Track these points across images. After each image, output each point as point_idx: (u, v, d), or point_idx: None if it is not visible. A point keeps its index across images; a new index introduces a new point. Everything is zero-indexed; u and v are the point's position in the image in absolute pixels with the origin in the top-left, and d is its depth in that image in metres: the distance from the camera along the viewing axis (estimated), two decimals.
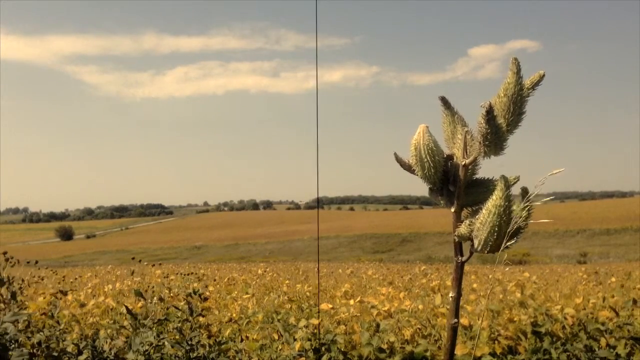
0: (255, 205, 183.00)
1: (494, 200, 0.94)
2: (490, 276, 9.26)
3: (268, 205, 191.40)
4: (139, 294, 2.88)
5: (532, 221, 0.99)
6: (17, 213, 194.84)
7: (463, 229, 0.99)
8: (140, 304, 3.39)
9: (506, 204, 0.93)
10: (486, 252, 0.96)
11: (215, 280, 9.15)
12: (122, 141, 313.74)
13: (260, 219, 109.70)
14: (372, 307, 3.46)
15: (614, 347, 3.03)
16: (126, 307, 2.76)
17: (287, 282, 8.39)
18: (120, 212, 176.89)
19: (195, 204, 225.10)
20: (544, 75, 0.97)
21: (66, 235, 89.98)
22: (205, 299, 3.19)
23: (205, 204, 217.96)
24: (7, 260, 3.10)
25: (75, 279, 9.28)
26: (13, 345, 2.34)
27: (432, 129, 1.02)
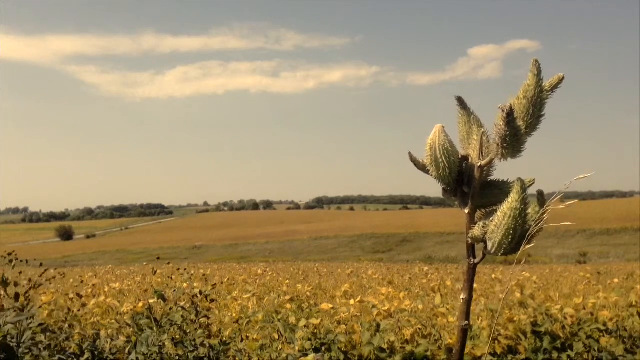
0: (255, 205, 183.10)
1: (510, 203, 0.93)
2: (493, 276, 9.26)
3: (268, 205, 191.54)
4: (160, 296, 2.89)
5: (553, 224, 0.98)
6: (17, 213, 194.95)
7: (477, 230, 0.99)
8: (141, 304, 3.39)
9: (522, 207, 0.92)
10: (500, 254, 0.95)
11: (213, 281, 9.14)
12: (122, 141, 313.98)
13: (260, 219, 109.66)
14: (373, 306, 3.47)
15: (614, 347, 3.03)
16: (149, 310, 2.76)
17: (287, 282, 8.39)
18: (120, 212, 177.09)
19: (195, 204, 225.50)
20: (563, 78, 0.95)
21: (66, 235, 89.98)
22: (212, 300, 3.19)
23: (205, 204, 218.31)
24: (11, 261, 3.11)
25: (77, 278, 9.28)
26: (13, 343, 2.34)
27: (448, 129, 1.01)
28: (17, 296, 2.61)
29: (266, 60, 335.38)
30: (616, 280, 8.15)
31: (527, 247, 0.96)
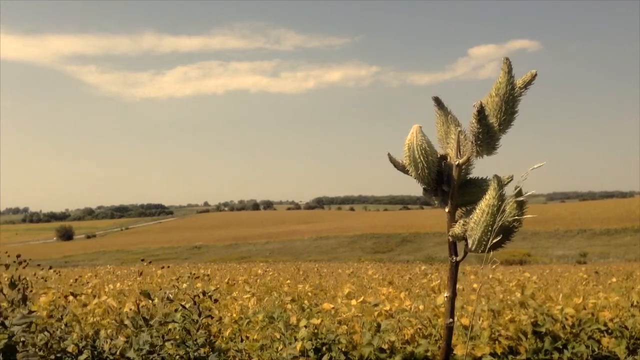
0: (255, 205, 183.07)
1: (488, 200, 0.94)
2: (491, 276, 9.26)
3: (268, 205, 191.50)
4: (146, 295, 2.89)
5: (516, 217, 0.99)
6: (17, 213, 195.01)
7: (457, 228, 0.99)
8: (143, 304, 3.38)
9: (499, 203, 0.93)
10: (480, 251, 0.96)
11: (214, 281, 9.15)
12: (122, 141, 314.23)
13: (260, 219, 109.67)
14: (374, 306, 3.46)
15: (615, 348, 3.03)
16: (137, 307, 2.76)
17: (287, 282, 8.39)
18: (120, 212, 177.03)
19: (195, 204, 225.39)
20: (536, 75, 0.97)
21: (66, 235, 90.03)
22: (216, 301, 3.20)
23: (205, 204, 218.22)
24: (20, 263, 3.11)
25: (76, 279, 9.28)
26: (20, 348, 2.34)
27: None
28: (24, 299, 2.61)
29: (266, 60, 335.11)
30: (614, 280, 8.14)
31: (497, 240, 0.96)
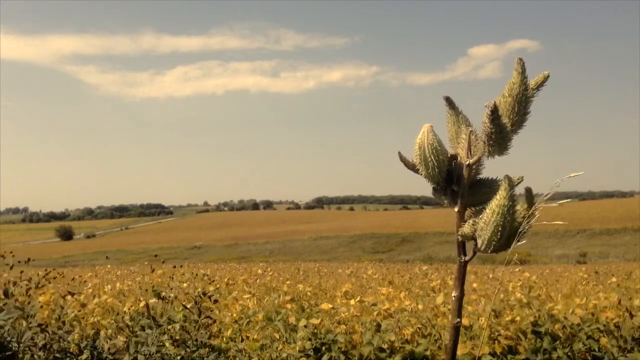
0: (255, 205, 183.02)
1: (498, 200, 0.94)
2: (491, 276, 9.27)
3: (268, 205, 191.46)
4: (157, 295, 2.89)
5: (545, 222, 0.99)
6: (17, 213, 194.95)
7: (466, 228, 0.99)
8: (142, 304, 3.39)
9: (510, 203, 0.93)
10: (489, 251, 0.96)
11: (217, 281, 9.14)
12: (122, 141, 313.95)
13: (260, 219, 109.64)
14: (373, 305, 3.46)
15: (614, 348, 3.03)
16: (147, 306, 2.76)
17: (287, 282, 8.39)
18: (120, 212, 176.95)
19: (195, 204, 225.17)
20: (548, 76, 0.97)
21: (66, 235, 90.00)
22: (216, 302, 3.20)
23: (205, 204, 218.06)
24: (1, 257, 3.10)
25: (73, 278, 9.28)
26: (16, 346, 2.33)
27: (435, 128, 1.02)
28: (5, 293, 2.61)
29: (266, 60, 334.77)
30: (614, 279, 8.14)
31: (517, 244, 0.96)
